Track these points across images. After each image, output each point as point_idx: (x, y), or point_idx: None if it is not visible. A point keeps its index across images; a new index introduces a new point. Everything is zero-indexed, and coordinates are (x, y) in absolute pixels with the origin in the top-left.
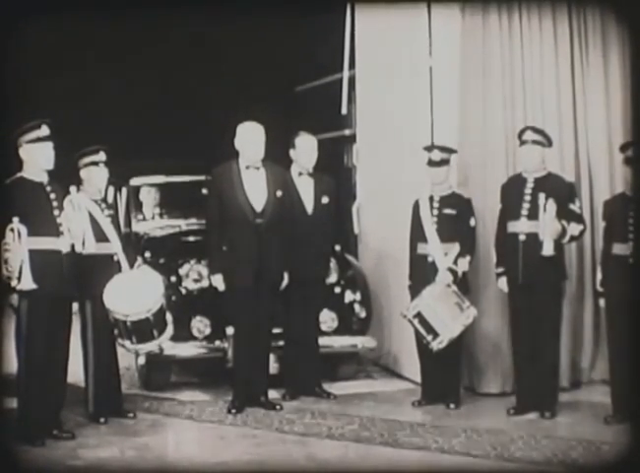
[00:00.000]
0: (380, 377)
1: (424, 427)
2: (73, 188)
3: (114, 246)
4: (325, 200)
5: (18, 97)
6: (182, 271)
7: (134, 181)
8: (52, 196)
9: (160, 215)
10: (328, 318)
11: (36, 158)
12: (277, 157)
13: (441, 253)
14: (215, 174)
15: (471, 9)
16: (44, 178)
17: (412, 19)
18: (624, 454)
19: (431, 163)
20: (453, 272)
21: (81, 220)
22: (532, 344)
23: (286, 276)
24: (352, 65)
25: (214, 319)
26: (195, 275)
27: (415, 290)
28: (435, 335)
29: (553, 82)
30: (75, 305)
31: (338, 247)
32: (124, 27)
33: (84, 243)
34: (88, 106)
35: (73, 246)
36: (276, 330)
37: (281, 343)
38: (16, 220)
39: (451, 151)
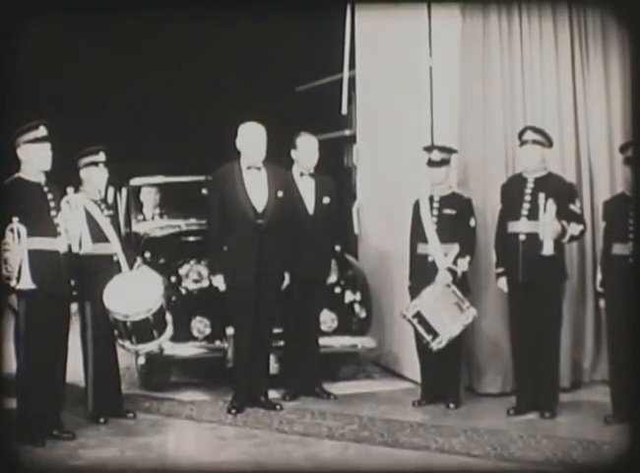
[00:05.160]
0: (380, 377)
1: (424, 427)
2: (70, 189)
3: (114, 247)
4: (326, 200)
5: (17, 97)
6: (182, 271)
7: (134, 182)
8: (50, 196)
9: (160, 215)
10: (328, 318)
11: (34, 158)
12: (278, 157)
13: (441, 253)
14: (216, 175)
15: (471, 9)
16: (42, 179)
17: (412, 19)
18: (624, 454)
19: (431, 163)
20: (453, 272)
21: (78, 220)
22: (532, 344)
23: (286, 276)
24: (352, 65)
25: (214, 320)
26: (195, 275)
27: (414, 290)
28: (435, 335)
29: (554, 82)
30: (75, 306)
31: (338, 248)
32: (124, 27)
33: (80, 244)
34: (88, 107)
35: (70, 247)
36: (276, 330)
37: (281, 343)
38: (15, 220)
39: (451, 151)
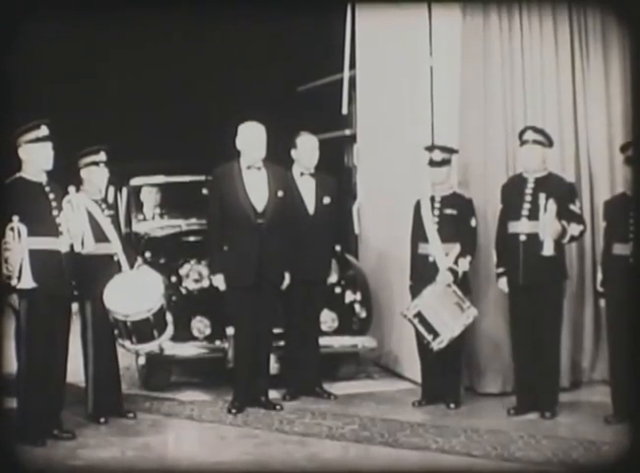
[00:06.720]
0: (380, 378)
1: (425, 427)
2: (72, 188)
3: (114, 246)
4: (327, 200)
5: (18, 97)
6: (182, 271)
7: (134, 181)
8: (51, 196)
9: (161, 215)
10: (328, 318)
11: (36, 158)
12: (278, 157)
13: (442, 253)
14: (216, 175)
15: (471, 9)
16: (43, 179)
17: (412, 19)
18: (625, 454)
19: (433, 163)
20: (454, 272)
21: (80, 220)
22: (532, 344)
23: (287, 276)
24: (352, 65)
25: (214, 319)
26: (195, 275)
27: (415, 290)
28: (435, 335)
29: (554, 82)
30: (75, 306)
31: (338, 247)
32: (124, 27)
33: (83, 243)
34: (88, 106)
35: (72, 246)
36: (276, 330)
37: (281, 343)
38: (16, 219)
39: (452, 151)
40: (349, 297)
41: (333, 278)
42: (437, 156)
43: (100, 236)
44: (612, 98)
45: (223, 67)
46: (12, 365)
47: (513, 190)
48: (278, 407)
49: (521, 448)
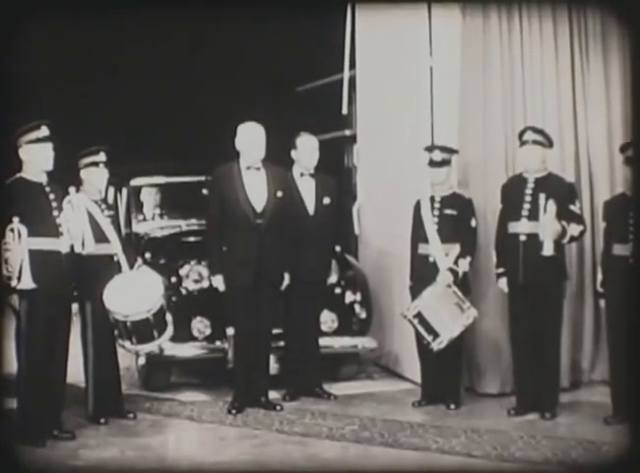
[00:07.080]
0: (380, 378)
1: (425, 427)
2: (72, 189)
3: (114, 247)
4: (327, 201)
5: (18, 97)
6: (182, 272)
7: (134, 182)
8: (52, 197)
9: (161, 215)
10: (328, 319)
11: (36, 158)
12: (278, 157)
13: (442, 254)
14: (215, 175)
15: (471, 9)
16: (44, 179)
17: (412, 19)
18: (624, 455)
19: (433, 163)
20: (454, 272)
21: (80, 220)
22: (532, 344)
23: (286, 276)
24: (352, 65)
25: (214, 320)
26: (195, 276)
27: (415, 290)
28: (435, 335)
29: (553, 82)
30: (75, 306)
31: (338, 248)
32: (125, 27)
33: (83, 244)
34: (88, 107)
35: (72, 247)
36: (276, 331)
37: (281, 343)
38: (16, 220)
39: (452, 151)
40: (348, 297)
41: (333, 278)
42: (437, 156)
43: (100, 237)
44: (612, 98)
45: (222, 67)
46: (12, 365)
47: (513, 190)
48: (278, 407)
49: (521, 449)
